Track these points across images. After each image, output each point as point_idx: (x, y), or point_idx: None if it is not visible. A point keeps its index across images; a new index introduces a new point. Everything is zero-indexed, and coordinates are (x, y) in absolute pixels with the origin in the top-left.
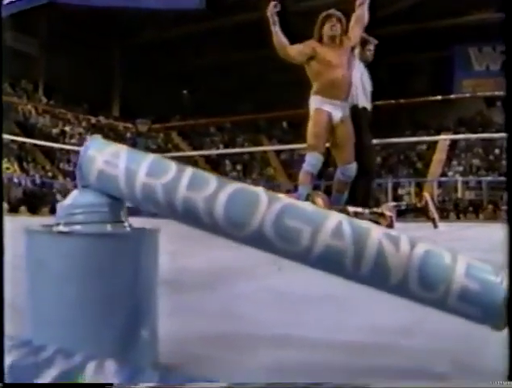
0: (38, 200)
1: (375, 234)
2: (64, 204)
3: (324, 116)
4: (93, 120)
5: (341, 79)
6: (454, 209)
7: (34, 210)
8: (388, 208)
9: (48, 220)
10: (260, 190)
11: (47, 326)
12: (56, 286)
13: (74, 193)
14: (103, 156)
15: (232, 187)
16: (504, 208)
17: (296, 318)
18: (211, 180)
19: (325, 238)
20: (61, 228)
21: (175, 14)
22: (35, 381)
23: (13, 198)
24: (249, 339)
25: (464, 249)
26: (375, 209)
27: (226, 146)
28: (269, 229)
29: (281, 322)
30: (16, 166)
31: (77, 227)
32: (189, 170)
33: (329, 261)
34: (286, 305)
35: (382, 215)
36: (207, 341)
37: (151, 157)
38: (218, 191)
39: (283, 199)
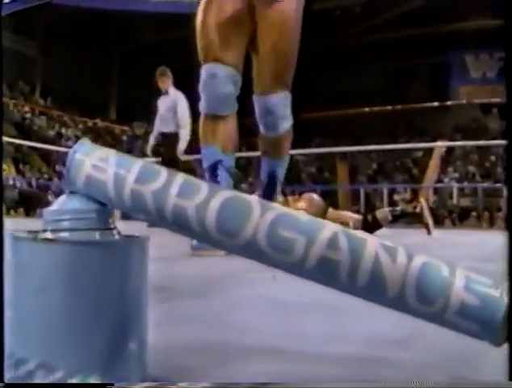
0: (34, 202)
1: (372, 244)
2: (50, 210)
3: None
4: (90, 122)
5: None
6: (449, 216)
7: (29, 212)
8: (381, 214)
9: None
10: (252, 198)
11: (30, 338)
12: (41, 296)
13: (61, 199)
14: (91, 160)
15: (224, 194)
16: (500, 214)
17: (288, 327)
18: (203, 187)
19: (320, 248)
20: (47, 235)
21: (172, 16)
22: None
23: (8, 200)
24: (237, 349)
25: (458, 257)
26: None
27: None
28: (262, 239)
29: (271, 333)
30: (12, 168)
31: (64, 234)
32: (180, 177)
33: (324, 273)
34: (278, 314)
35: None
36: (192, 351)
37: (140, 162)
38: (209, 199)
39: (277, 208)
